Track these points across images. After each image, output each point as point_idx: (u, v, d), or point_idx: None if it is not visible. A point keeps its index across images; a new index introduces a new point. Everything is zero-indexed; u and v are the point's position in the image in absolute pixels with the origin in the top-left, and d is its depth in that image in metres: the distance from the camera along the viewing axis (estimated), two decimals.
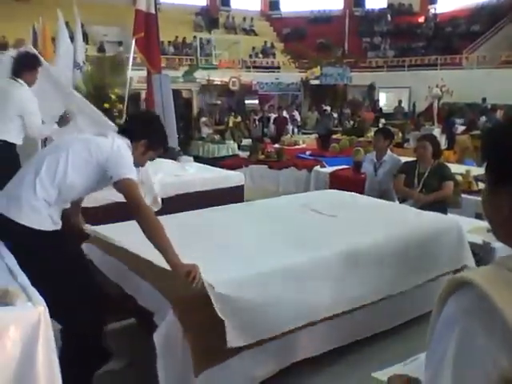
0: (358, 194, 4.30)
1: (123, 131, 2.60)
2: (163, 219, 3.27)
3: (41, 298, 1.54)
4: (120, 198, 2.41)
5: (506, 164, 0.97)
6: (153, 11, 6.65)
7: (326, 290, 2.68)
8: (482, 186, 5.04)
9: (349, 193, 4.27)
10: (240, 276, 2.45)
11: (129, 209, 2.39)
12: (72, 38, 7.57)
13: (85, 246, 2.91)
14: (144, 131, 2.60)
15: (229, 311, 2.27)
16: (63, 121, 4.38)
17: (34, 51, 4.87)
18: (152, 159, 2.72)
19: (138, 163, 2.61)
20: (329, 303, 2.70)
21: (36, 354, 1.45)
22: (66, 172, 2.33)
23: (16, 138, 4.34)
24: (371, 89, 20.13)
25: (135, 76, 10.21)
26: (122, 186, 2.36)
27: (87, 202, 3.06)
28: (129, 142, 2.52)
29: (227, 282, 2.35)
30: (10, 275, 1.71)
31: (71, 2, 7.49)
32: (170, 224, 3.13)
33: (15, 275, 1.70)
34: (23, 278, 1.67)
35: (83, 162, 2.36)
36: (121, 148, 2.43)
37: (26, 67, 4.47)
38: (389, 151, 5.16)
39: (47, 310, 1.50)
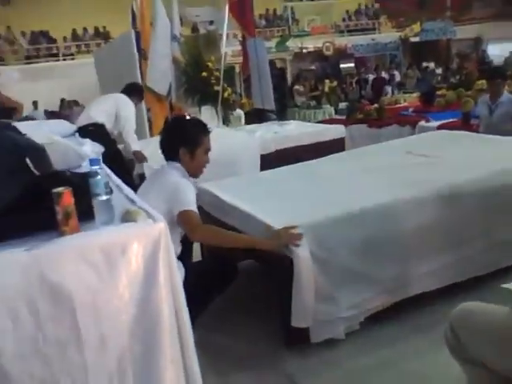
0: (469, 133, 3.98)
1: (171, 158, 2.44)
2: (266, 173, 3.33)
3: (161, 216, 1.57)
4: None
5: None
6: None
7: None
8: None
9: (460, 132, 3.96)
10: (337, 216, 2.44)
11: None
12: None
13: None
14: (173, 142, 2.42)
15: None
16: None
17: None
18: (208, 151, 2.47)
19: (197, 173, 2.49)
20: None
21: (158, 268, 1.49)
22: None
23: (107, 123, 4.53)
24: (478, 42, 18.53)
25: (229, 51, 10.31)
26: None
27: None
28: (178, 164, 2.40)
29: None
30: (128, 202, 1.77)
31: None
32: (271, 178, 3.18)
33: (134, 201, 1.75)
34: (142, 203, 1.72)
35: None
36: (179, 183, 2.30)
37: (137, 98, 4.82)
38: (505, 92, 4.70)
39: (167, 227, 1.53)
